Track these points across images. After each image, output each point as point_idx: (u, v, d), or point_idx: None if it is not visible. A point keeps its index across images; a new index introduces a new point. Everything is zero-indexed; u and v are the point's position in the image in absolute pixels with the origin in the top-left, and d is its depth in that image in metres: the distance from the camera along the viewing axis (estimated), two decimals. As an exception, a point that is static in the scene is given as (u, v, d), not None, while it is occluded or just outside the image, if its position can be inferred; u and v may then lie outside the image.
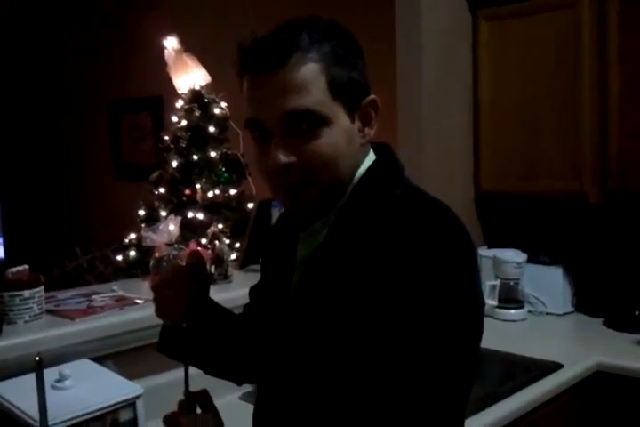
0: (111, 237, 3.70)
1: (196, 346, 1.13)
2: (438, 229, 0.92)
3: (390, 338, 0.89)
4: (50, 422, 1.30)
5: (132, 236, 2.84)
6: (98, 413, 1.37)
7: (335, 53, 0.93)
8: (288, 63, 0.90)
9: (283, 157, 0.93)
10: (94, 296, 1.78)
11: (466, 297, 0.92)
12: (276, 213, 2.19)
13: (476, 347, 0.96)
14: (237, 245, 2.60)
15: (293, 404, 1.02)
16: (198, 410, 1.06)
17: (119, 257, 2.89)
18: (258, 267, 2.30)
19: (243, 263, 2.33)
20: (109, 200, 4.69)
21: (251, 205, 2.69)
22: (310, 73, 0.91)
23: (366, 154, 1.01)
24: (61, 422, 1.31)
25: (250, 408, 1.80)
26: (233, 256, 2.43)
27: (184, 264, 1.10)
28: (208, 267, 2.07)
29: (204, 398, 1.06)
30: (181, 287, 1.06)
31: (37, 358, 1.16)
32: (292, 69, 0.91)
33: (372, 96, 0.98)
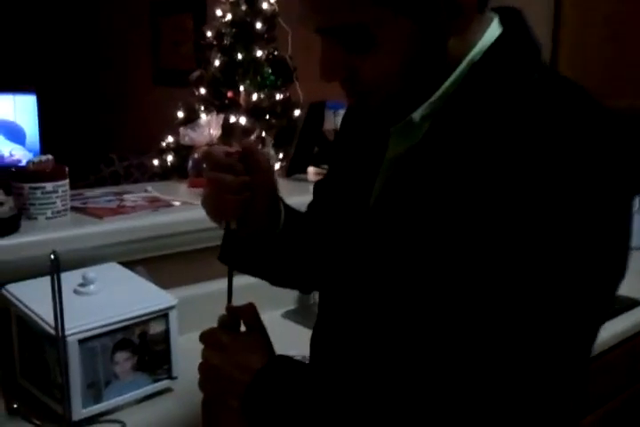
0: (148, 145, 3.51)
1: (255, 251, 0.92)
2: (599, 137, 0.66)
3: (499, 278, 0.65)
4: (69, 331, 1.11)
5: (170, 139, 2.63)
6: (125, 323, 1.19)
7: None
8: None
9: (329, 76, 0.74)
10: (126, 195, 1.57)
11: (616, 240, 0.67)
12: (330, 117, 1.95)
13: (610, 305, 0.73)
14: (281, 155, 2.38)
15: (356, 329, 0.82)
16: (243, 328, 0.86)
17: (155, 161, 2.69)
18: (305, 176, 2.10)
19: (289, 172, 2.11)
20: (147, 106, 4.46)
21: (297, 113, 2.44)
22: None
23: (483, 29, 0.73)
24: (83, 332, 1.13)
25: (292, 327, 1.62)
26: (277, 166, 2.22)
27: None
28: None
29: (249, 314, 0.86)
30: (233, 181, 0.84)
31: (52, 257, 0.96)
32: None
33: None
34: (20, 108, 4.97)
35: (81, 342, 1.13)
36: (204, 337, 0.84)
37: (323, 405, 0.75)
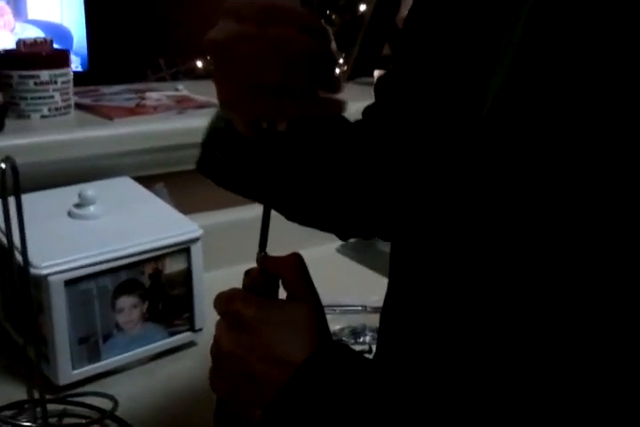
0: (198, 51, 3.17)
1: (285, 167, 0.59)
2: None
3: None
4: (52, 269, 0.81)
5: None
6: (132, 258, 0.87)
7: None
8: None
9: None
10: (149, 94, 1.23)
11: None
12: (408, 1, 1.54)
13: None
14: (340, 60, 2.00)
15: (450, 307, 0.49)
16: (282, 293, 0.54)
17: (199, 63, 2.35)
18: (371, 80, 1.72)
19: (352, 74, 1.74)
20: (203, 5, 4.05)
21: (363, 8, 2.05)
22: None
23: None
24: (72, 270, 0.82)
25: (349, 265, 1.29)
26: (336, 71, 1.85)
27: None
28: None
29: (293, 270, 0.52)
30: (278, 33, 0.47)
31: (3, 165, 0.63)
32: None
33: None
34: (67, 10, 4.62)
35: (69, 283, 0.82)
36: (221, 306, 0.52)
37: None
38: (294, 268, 0.51)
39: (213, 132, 0.62)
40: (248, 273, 0.53)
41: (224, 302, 0.51)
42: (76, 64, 4.72)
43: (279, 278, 0.52)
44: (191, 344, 0.96)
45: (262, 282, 0.52)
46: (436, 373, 0.50)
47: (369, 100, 0.71)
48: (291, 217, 0.68)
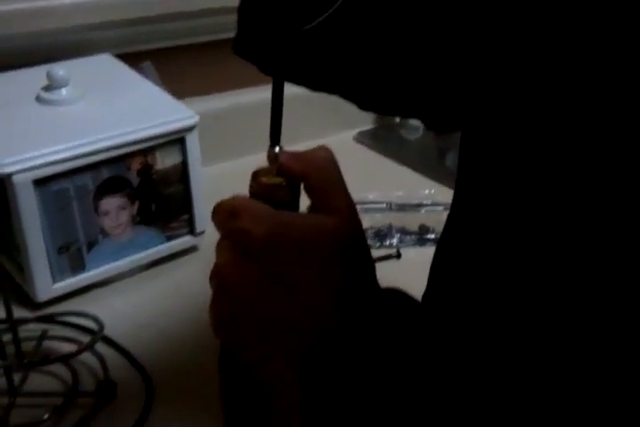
0: None
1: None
2: None
3: None
4: (16, 166, 0.65)
5: None
6: (115, 151, 0.71)
7: None
8: None
9: None
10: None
11: None
12: None
13: None
14: None
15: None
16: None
17: None
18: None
19: None
20: None
21: None
22: None
23: None
24: (41, 166, 0.66)
25: (367, 154, 1.13)
26: None
27: None
28: None
29: (321, 170, 0.36)
30: None
31: None
32: None
33: None
34: None
35: (39, 182, 0.67)
36: (221, 222, 0.37)
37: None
38: (323, 167, 0.36)
39: None
40: (256, 176, 0.37)
41: (226, 216, 0.36)
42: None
43: (300, 182, 0.37)
44: (192, 250, 0.83)
45: (277, 188, 0.36)
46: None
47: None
48: (363, 105, 0.51)
